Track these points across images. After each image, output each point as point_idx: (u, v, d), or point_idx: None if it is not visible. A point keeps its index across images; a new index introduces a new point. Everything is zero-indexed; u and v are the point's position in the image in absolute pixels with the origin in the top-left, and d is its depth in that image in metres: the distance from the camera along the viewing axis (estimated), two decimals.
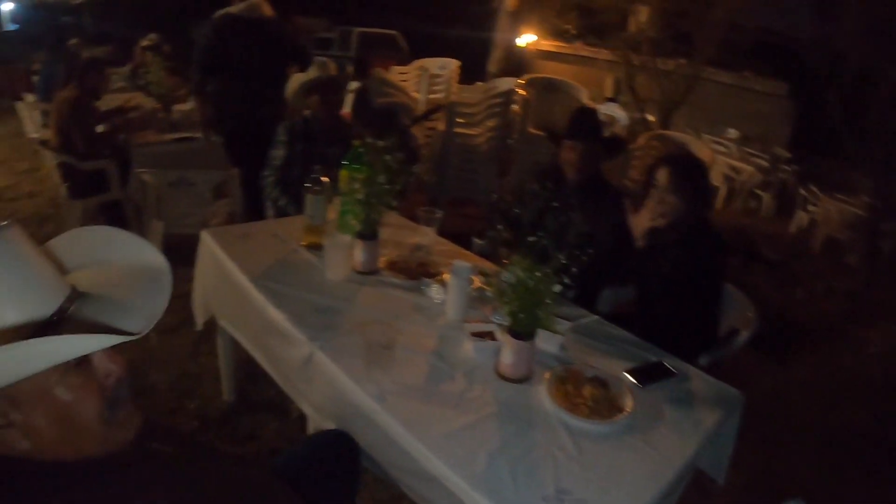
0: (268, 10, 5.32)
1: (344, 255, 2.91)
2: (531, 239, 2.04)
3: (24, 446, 1.08)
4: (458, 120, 6.98)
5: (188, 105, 6.59)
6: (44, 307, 1.12)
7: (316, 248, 3.16)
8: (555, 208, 2.22)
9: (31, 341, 1.01)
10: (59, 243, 1.37)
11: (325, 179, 3.13)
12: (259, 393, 3.75)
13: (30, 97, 8.88)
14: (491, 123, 7.11)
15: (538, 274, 2.00)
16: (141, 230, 5.58)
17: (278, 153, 4.30)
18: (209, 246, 3.23)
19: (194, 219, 4.94)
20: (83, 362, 1.12)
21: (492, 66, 9.78)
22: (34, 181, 7.95)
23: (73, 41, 14.17)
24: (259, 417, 3.62)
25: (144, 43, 10.05)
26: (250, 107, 5.27)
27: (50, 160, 5.59)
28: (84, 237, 1.40)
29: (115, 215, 5.80)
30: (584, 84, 9.15)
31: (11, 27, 28.12)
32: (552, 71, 11.77)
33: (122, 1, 31.33)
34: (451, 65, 9.00)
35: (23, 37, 21.00)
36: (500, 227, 2.18)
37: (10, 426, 1.07)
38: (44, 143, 5.72)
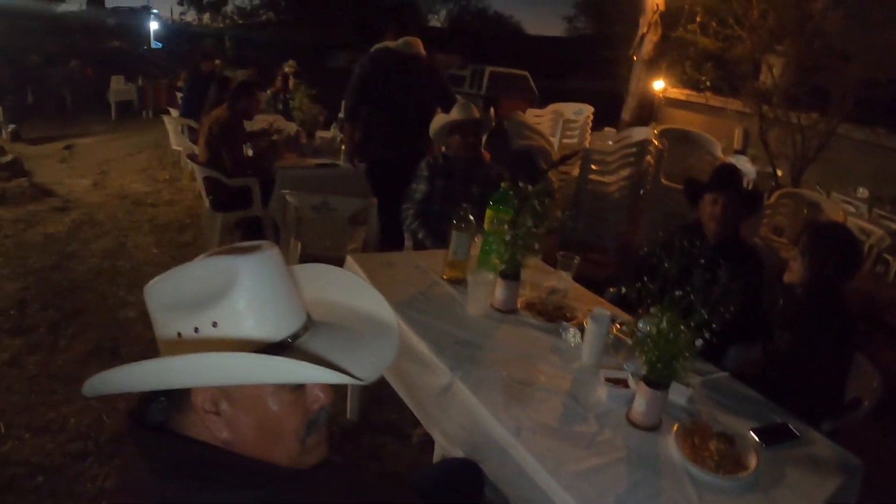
0: (422, 49, 5.46)
1: (486, 291, 2.97)
2: (677, 294, 2.06)
3: (224, 436, 1.13)
4: (593, 167, 6.95)
5: (329, 132, 6.79)
6: (283, 329, 1.16)
7: (457, 282, 3.24)
8: (701, 265, 2.26)
9: (270, 358, 1.04)
10: (297, 273, 1.41)
11: (471, 218, 3.19)
12: (382, 415, 3.81)
13: (174, 112, 9.31)
14: (624, 173, 7.04)
15: (680, 328, 2.03)
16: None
17: (419, 187, 4.40)
18: (354, 270, 3.31)
19: (331, 241, 5.06)
20: (299, 385, 1.17)
21: (625, 115, 9.69)
22: (174, 190, 8.32)
23: (217, 62, 14.90)
24: (380, 439, 3.68)
25: (286, 69, 10.50)
26: (396, 139, 5.39)
27: (197, 174, 5.80)
28: (320, 273, 1.45)
29: (253, 230, 5.99)
30: (713, 134, 8.96)
31: (156, 45, 29.81)
32: (680, 119, 11.62)
33: (261, 28, 32.80)
34: (585, 111, 8.98)
35: (167, 55, 22.10)
36: (643, 279, 2.15)
37: (217, 414, 1.13)
38: (192, 157, 5.97)
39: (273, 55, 22.77)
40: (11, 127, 12.47)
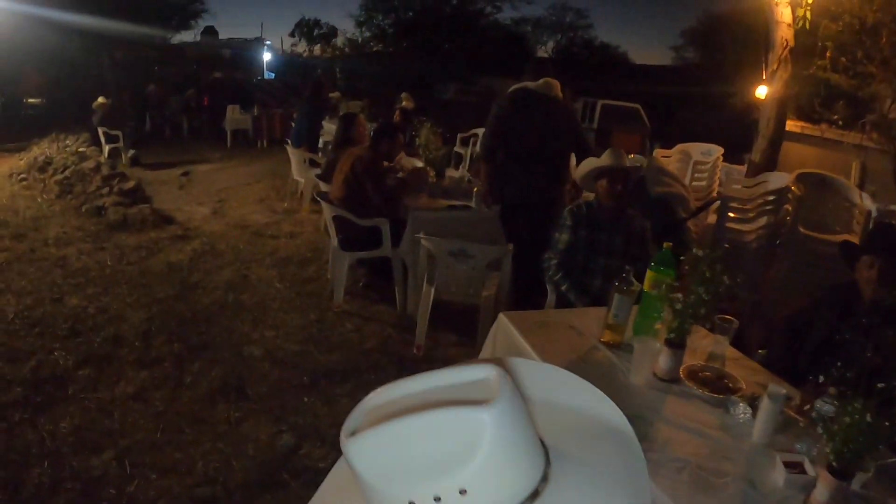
0: (560, 91, 5.30)
1: (651, 359, 2.81)
2: (879, 386, 1.91)
3: None
4: (731, 215, 6.57)
5: (458, 171, 6.61)
6: (532, 476, 0.89)
7: (615, 346, 3.07)
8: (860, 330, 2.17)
9: None
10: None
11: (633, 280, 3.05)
12: None
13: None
14: (763, 221, 6.64)
15: (880, 420, 1.85)
16: (403, 288, 5.56)
17: (562, 237, 4.21)
18: (507, 329, 3.21)
19: (465, 288, 4.88)
20: None
21: (756, 156, 9.22)
22: (293, 222, 8.28)
23: (335, 94, 15.09)
24: None
25: (403, 103, 10.36)
26: (532, 183, 5.23)
27: (326, 212, 5.69)
28: (529, 370, 1.17)
29: (379, 270, 5.84)
30: (828, 169, 8.45)
31: (269, 76, 30.58)
32: (795, 154, 11.10)
33: (369, 58, 33.31)
34: (715, 151, 8.60)
35: (280, 85, 22.56)
36: (797, 342, 1.95)
37: None
38: (323, 195, 5.86)
39: (383, 86, 23.05)
40: (131, 152, 12.80)
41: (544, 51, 40.09)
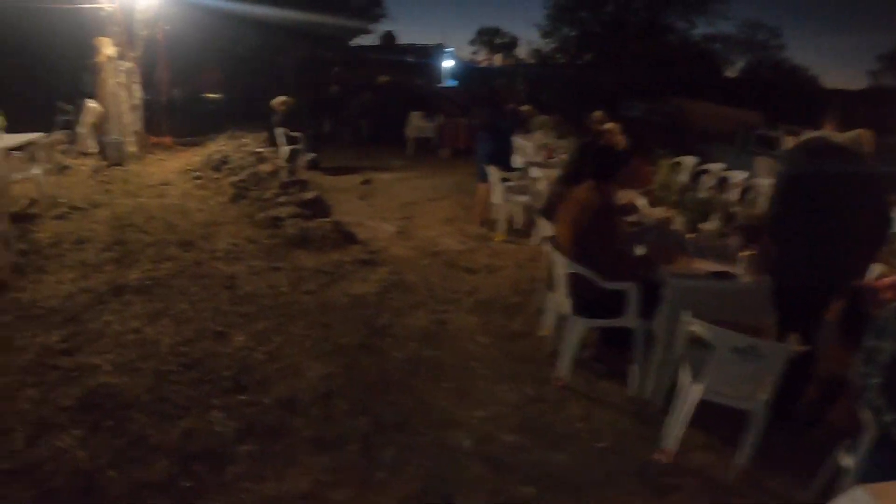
0: (868, 146, 4.07)
1: None
2: None
3: None
4: None
5: (713, 224, 5.17)
6: None
7: None
8: None
9: None
10: None
11: None
12: None
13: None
14: None
15: None
16: (643, 367, 4.27)
17: (885, 346, 2.85)
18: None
19: (740, 390, 3.62)
20: None
21: None
22: (490, 252, 7.07)
23: (527, 108, 13.85)
24: None
25: (606, 125, 8.64)
26: (822, 261, 3.94)
27: (558, 265, 4.44)
28: None
29: (615, 341, 4.56)
30: None
31: (450, 83, 29.86)
32: None
33: (553, 69, 32.03)
34: None
35: (462, 93, 21.70)
36: None
37: None
38: (553, 241, 4.59)
39: (567, 99, 21.71)
40: (311, 155, 12.12)
41: (732, 71, 37.73)
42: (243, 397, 3.98)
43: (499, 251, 7.08)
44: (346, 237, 7.21)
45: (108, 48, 11.85)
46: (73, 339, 4.69)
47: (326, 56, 24.42)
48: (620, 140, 6.82)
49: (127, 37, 12.12)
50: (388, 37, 31.19)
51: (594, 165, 4.62)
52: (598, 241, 4.31)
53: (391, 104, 17.04)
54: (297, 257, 6.50)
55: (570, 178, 5.40)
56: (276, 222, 7.42)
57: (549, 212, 5.30)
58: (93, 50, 11.97)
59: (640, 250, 4.75)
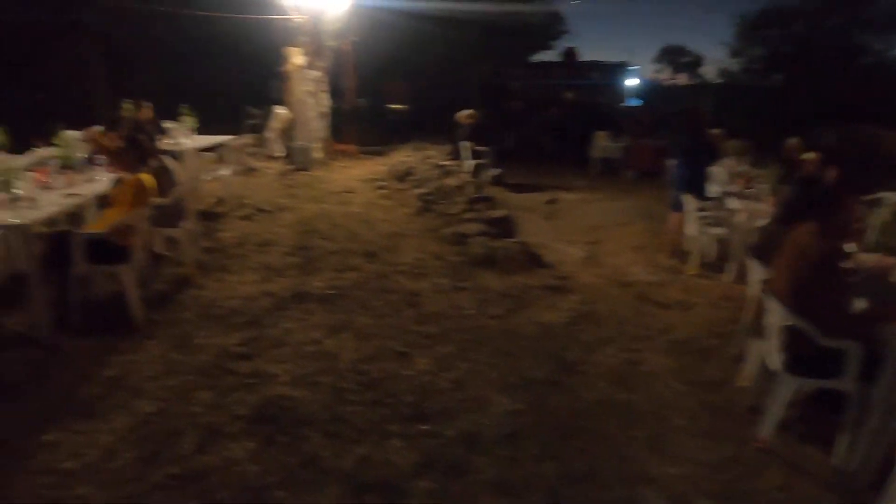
0: None
1: None
2: None
3: None
4: None
5: None
6: None
7: None
8: None
9: None
10: None
11: None
12: None
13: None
14: None
15: None
16: (853, 437, 3.76)
17: None
18: None
19: None
20: None
21: None
22: (682, 287, 6.58)
23: (716, 131, 13.04)
24: None
25: (806, 155, 7.82)
26: None
27: (773, 314, 3.98)
28: None
29: (821, 400, 4.06)
30: None
31: (633, 102, 29.01)
32: None
33: (741, 91, 30.51)
34: None
35: (648, 113, 20.97)
36: None
37: None
38: (771, 286, 4.11)
39: (755, 122, 20.42)
40: (496, 171, 11.98)
41: None
42: (424, 427, 3.80)
43: (691, 286, 6.59)
44: (533, 259, 6.96)
45: (297, 57, 12.28)
46: (251, 343, 4.69)
47: (509, 71, 24.37)
48: (831, 173, 6.17)
49: (316, 47, 12.49)
50: (570, 53, 30.62)
51: (819, 205, 4.12)
52: (821, 293, 3.83)
53: (574, 122, 16.68)
54: (483, 278, 6.32)
55: (788, 217, 4.88)
56: (462, 239, 7.27)
57: (761, 252, 4.81)
58: (282, 59, 12.41)
59: (859, 303, 4.21)
